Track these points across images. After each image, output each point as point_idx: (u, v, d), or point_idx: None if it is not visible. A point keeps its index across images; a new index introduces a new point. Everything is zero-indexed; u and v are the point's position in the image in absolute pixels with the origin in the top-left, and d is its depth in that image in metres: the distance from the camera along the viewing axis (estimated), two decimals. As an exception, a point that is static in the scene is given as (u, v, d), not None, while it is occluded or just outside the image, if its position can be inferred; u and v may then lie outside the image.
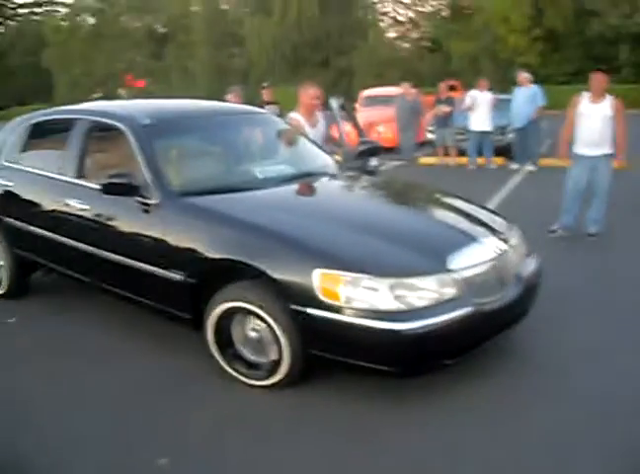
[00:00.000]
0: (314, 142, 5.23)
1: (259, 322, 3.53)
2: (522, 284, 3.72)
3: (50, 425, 3.39)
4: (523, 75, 11.37)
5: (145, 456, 3.06)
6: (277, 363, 3.49)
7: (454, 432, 3.16)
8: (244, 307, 3.52)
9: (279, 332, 3.40)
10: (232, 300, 3.56)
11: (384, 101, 15.14)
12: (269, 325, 3.44)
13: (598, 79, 6.27)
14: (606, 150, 6.35)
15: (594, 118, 6.29)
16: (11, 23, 60.59)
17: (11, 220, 5.07)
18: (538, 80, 11.50)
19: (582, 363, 3.83)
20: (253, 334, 3.61)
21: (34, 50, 50.68)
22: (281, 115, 7.30)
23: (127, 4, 46.46)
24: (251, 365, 3.65)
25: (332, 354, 3.34)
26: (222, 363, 3.72)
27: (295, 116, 5.55)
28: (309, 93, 5.52)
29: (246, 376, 3.65)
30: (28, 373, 4.02)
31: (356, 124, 6.18)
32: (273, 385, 3.55)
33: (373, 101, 16.03)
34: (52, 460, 3.08)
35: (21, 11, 62.86)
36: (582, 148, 6.47)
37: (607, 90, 6.37)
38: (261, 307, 3.44)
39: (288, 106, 5.75)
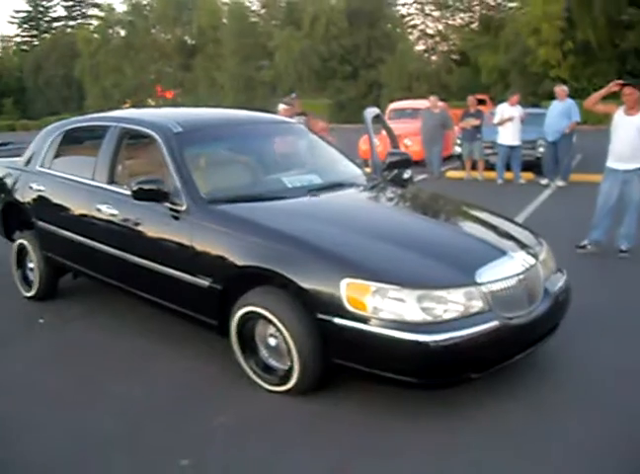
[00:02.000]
0: (343, 153, 5.24)
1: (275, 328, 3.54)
2: (551, 299, 3.66)
3: (76, 426, 3.41)
4: (561, 88, 11.21)
5: (168, 457, 3.08)
6: (289, 371, 3.50)
7: (475, 452, 3.08)
8: (259, 312, 3.54)
9: (289, 339, 3.40)
10: (249, 305, 3.59)
11: (411, 114, 15.14)
12: (280, 331, 3.46)
13: (627, 92, 6.20)
14: (639, 164, 6.26)
15: (626, 130, 6.20)
16: (46, 36, 61.99)
17: (43, 224, 5.16)
18: (570, 94, 11.34)
19: (613, 383, 3.72)
20: (271, 340, 3.62)
21: (66, 62, 51.79)
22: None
23: (158, 17, 47.12)
24: (269, 370, 3.66)
25: (356, 363, 3.32)
26: (244, 366, 3.74)
27: None
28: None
29: (263, 380, 3.66)
30: (55, 374, 4.07)
31: (391, 135, 6.14)
32: (288, 391, 3.55)
33: (401, 114, 16.00)
34: (79, 460, 3.11)
35: (55, 24, 64.40)
36: (614, 162, 6.38)
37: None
38: (272, 313, 3.46)
39: (316, 117, 5.89)
